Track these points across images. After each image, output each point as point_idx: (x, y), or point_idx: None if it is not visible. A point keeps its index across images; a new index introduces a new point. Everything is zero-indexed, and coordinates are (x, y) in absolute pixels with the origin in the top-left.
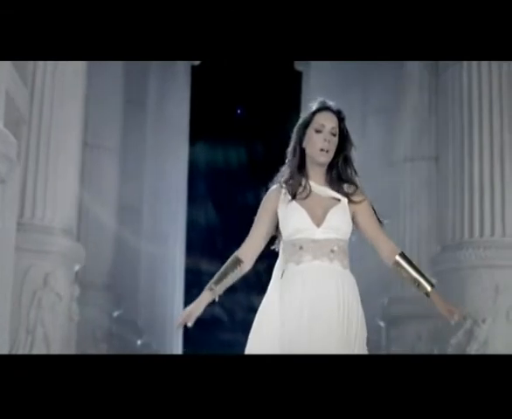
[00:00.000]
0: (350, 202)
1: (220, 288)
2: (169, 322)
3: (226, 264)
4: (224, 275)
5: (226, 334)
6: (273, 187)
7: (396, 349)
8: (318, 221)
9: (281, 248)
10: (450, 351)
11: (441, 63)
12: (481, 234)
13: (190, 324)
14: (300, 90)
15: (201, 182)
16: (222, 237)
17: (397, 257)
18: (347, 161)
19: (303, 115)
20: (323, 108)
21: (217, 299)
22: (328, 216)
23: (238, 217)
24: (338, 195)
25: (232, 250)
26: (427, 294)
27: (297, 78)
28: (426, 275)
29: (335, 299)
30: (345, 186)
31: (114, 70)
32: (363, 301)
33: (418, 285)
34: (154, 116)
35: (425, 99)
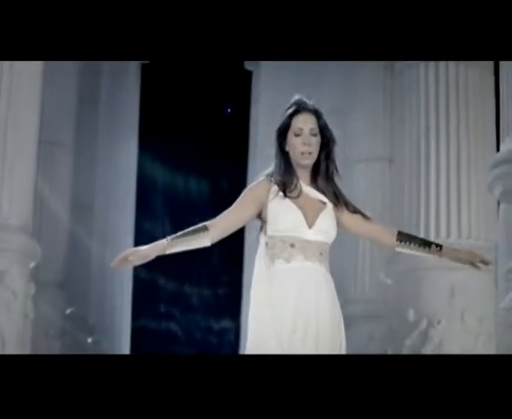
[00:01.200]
0: (335, 206)
1: (176, 244)
2: (118, 322)
3: (192, 227)
4: (185, 235)
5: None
6: (263, 178)
7: (348, 350)
8: (310, 222)
9: (264, 241)
10: (404, 352)
11: (398, 65)
12: (437, 236)
13: (131, 259)
14: (250, 89)
15: (150, 181)
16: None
17: (397, 243)
18: (329, 157)
19: (281, 118)
20: (299, 110)
21: (167, 252)
22: (319, 218)
23: (189, 213)
24: (325, 199)
25: None
26: (440, 256)
27: (247, 77)
28: (430, 243)
29: (326, 301)
30: (331, 194)
31: (68, 68)
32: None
33: (428, 252)
34: (105, 114)
35: (380, 101)
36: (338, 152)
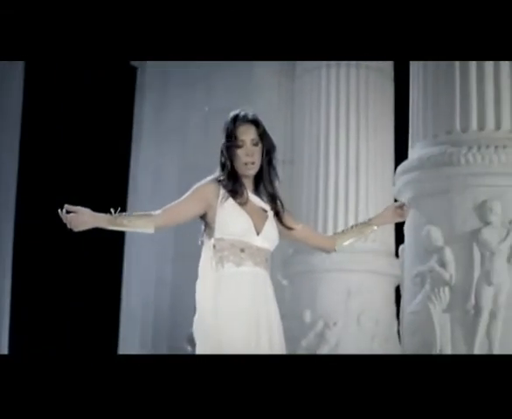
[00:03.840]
0: (276, 215)
1: (121, 221)
2: None
3: (139, 212)
4: (132, 215)
5: None
6: (210, 179)
7: None
8: (258, 229)
9: (210, 243)
10: (300, 352)
11: (299, 67)
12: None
13: (73, 218)
14: (135, 86)
15: (31, 175)
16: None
17: (336, 243)
18: (271, 164)
19: (223, 134)
20: (238, 122)
21: (110, 228)
22: (266, 226)
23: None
24: (267, 207)
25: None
26: (374, 227)
27: (131, 73)
28: (360, 223)
29: (272, 305)
30: (274, 200)
31: None
32: None
33: (363, 231)
34: None
35: (279, 103)
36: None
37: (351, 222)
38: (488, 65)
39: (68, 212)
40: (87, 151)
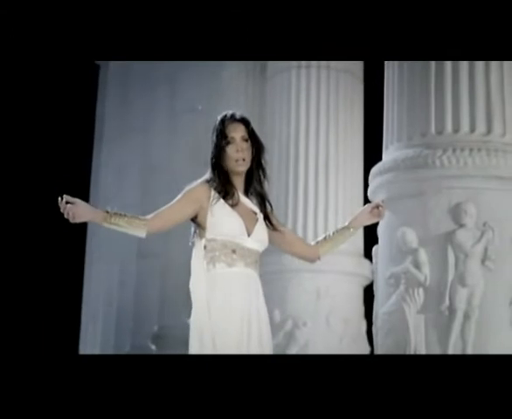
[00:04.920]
0: (265, 218)
1: (115, 220)
2: None
3: (132, 214)
4: (126, 215)
5: None
6: (201, 181)
7: None
8: (249, 230)
9: (202, 244)
10: None
11: (269, 68)
12: (304, 239)
13: (70, 209)
14: (97, 83)
15: None
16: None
17: (319, 251)
18: (260, 164)
19: (212, 135)
20: (227, 122)
21: (104, 224)
22: (256, 228)
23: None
24: (256, 210)
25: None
26: (353, 230)
27: (94, 70)
28: (339, 229)
29: (262, 306)
30: (263, 202)
31: None
32: (174, 300)
33: (344, 237)
34: None
35: (246, 104)
36: (202, 152)
37: (321, 223)
38: (463, 69)
39: (67, 203)
40: (49, 147)
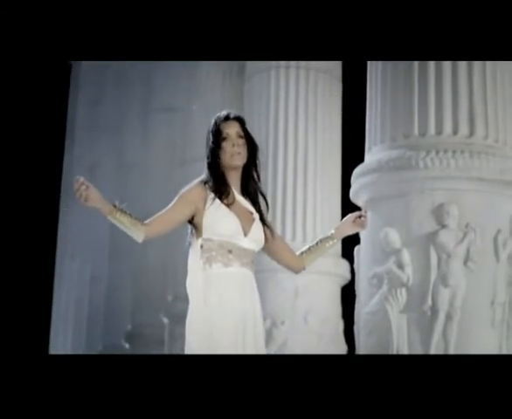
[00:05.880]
0: (261, 218)
1: (119, 216)
2: None
3: (136, 216)
4: (130, 216)
5: None
6: (197, 182)
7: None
8: (245, 230)
9: (198, 244)
10: None
11: (248, 69)
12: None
13: (85, 189)
14: (69, 82)
15: None
16: None
17: (306, 264)
18: (255, 163)
19: (208, 135)
20: (222, 120)
21: (108, 217)
22: (253, 228)
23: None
24: (252, 210)
25: None
26: (337, 240)
27: (66, 69)
28: (323, 238)
29: (257, 306)
30: (259, 201)
31: None
32: (147, 298)
33: (327, 246)
34: None
35: (223, 103)
36: (177, 152)
37: (299, 222)
38: (446, 71)
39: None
40: (20, 145)
